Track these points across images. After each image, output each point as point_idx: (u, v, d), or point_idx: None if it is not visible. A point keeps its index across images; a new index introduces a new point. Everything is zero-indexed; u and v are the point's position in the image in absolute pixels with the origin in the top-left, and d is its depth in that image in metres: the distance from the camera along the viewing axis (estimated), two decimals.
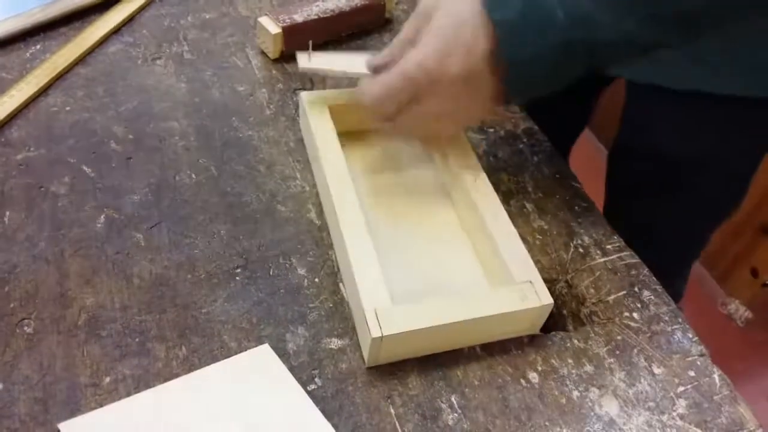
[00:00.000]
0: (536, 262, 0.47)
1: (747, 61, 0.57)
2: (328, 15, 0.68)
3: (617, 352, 0.47)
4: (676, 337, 0.49)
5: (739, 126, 0.62)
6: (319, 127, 0.55)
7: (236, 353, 0.43)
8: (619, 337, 0.48)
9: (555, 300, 0.46)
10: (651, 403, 0.45)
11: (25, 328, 0.43)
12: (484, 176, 0.53)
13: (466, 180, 0.53)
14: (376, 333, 0.41)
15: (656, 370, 0.46)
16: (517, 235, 0.49)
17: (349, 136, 0.59)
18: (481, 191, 0.52)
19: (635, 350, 0.47)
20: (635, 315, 0.49)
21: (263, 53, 0.67)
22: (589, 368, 0.46)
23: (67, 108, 0.59)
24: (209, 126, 0.59)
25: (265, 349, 0.43)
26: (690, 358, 0.47)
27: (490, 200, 0.51)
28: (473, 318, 0.43)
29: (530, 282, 0.46)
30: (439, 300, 0.44)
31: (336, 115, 0.56)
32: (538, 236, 0.54)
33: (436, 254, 0.52)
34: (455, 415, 0.43)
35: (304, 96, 0.57)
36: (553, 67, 0.45)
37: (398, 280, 0.48)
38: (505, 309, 0.44)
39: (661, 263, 0.55)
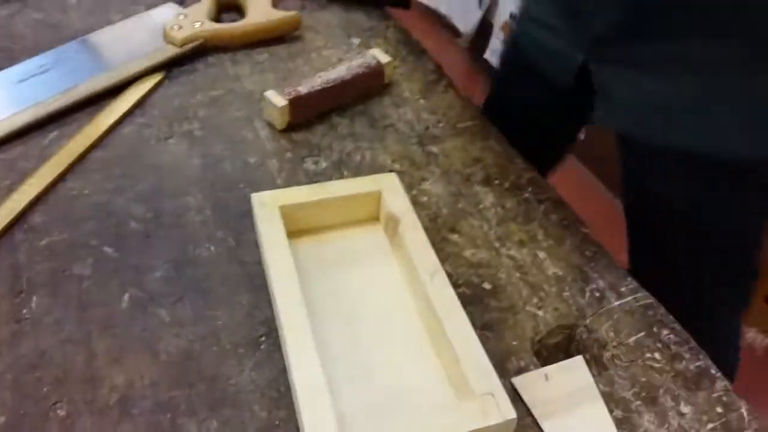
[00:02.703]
0: (554, 310, 0.48)
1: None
2: (330, 85, 0.71)
3: (643, 394, 0.47)
4: (699, 373, 0.49)
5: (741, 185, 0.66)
6: (267, 232, 0.52)
7: (267, 423, 0.44)
8: (643, 379, 0.48)
9: (577, 346, 0.46)
10: None
11: (59, 411, 0.44)
12: (442, 273, 0.50)
13: (423, 278, 0.50)
14: None
15: (684, 409, 0.47)
16: (477, 340, 0.46)
17: (302, 233, 0.57)
18: (438, 290, 0.49)
19: (661, 390, 0.48)
20: (657, 355, 0.50)
21: (270, 125, 0.70)
22: (617, 413, 0.46)
23: (86, 191, 0.61)
24: (224, 198, 0.61)
25: None
26: (716, 394, 0.47)
27: (448, 301, 0.48)
28: None
29: (491, 395, 0.42)
30: (387, 424, 0.42)
31: (289, 214, 0.54)
32: (553, 283, 0.55)
33: (394, 360, 0.48)
34: None
35: (255, 197, 0.55)
36: None
37: (352, 395, 0.45)
38: (463, 428, 0.41)
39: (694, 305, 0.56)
